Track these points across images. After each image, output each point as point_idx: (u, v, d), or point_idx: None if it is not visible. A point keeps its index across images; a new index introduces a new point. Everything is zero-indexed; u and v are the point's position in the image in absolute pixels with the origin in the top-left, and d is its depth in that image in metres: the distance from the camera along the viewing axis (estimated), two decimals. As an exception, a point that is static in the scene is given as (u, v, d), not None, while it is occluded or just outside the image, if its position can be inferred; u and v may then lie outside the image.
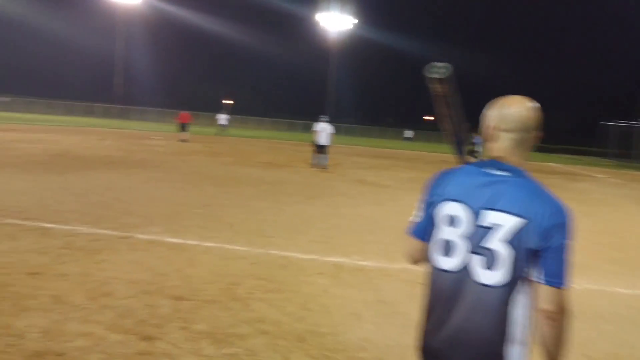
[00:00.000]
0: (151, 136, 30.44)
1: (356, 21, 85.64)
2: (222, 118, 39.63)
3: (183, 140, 26.05)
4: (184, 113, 27.80)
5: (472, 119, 2.73)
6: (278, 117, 79.87)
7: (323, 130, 18.04)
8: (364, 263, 6.07)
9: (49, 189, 9.44)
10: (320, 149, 18.03)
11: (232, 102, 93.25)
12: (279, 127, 75.46)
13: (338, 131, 66.92)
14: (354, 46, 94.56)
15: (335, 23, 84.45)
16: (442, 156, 30.08)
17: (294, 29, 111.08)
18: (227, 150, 23.72)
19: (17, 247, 5.62)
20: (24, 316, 3.89)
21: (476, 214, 1.69)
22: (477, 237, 1.68)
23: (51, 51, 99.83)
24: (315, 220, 8.47)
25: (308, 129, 72.79)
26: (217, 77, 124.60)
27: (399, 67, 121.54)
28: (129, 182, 11.00)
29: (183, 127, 27.23)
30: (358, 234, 7.63)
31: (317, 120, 18.27)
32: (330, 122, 18.50)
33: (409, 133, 70.11)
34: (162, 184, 11.15)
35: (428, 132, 76.49)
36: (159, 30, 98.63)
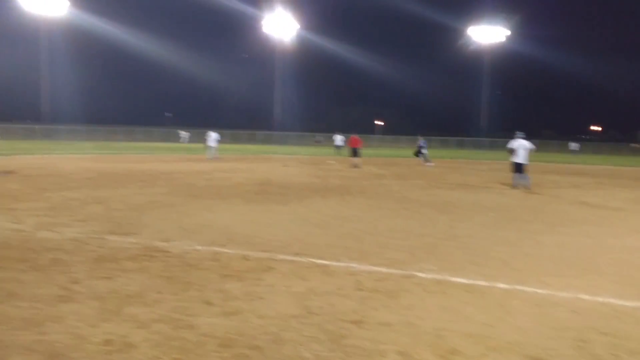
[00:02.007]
0: (326, 161, 30.99)
1: (508, 33, 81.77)
2: (338, 139, 40.86)
3: (355, 166, 24.79)
4: (355, 137, 26.32)
5: None
6: (431, 135, 78.26)
7: (521, 148, 16.71)
8: None
9: (287, 220, 9.47)
10: (519, 167, 16.70)
11: (382, 123, 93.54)
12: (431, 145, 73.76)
13: (496, 146, 63.89)
14: (503, 60, 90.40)
15: (487, 35, 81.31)
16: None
17: (445, 47, 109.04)
18: (408, 173, 23.16)
19: (314, 288, 5.39)
20: (391, 378, 3.47)
21: None
22: None
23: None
24: (585, 253, 7.41)
25: (462, 145, 70.61)
26: (367, 100, 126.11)
27: (551, 77, 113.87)
28: (353, 211, 10.79)
29: (355, 152, 25.84)
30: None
31: (512, 137, 17.01)
32: (526, 138, 17.08)
33: (574, 145, 64.17)
34: (386, 212, 10.78)
35: (596, 144, 69.87)
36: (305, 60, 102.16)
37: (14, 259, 6.20)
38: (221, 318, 4.45)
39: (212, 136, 30.74)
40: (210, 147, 30.44)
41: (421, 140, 30.69)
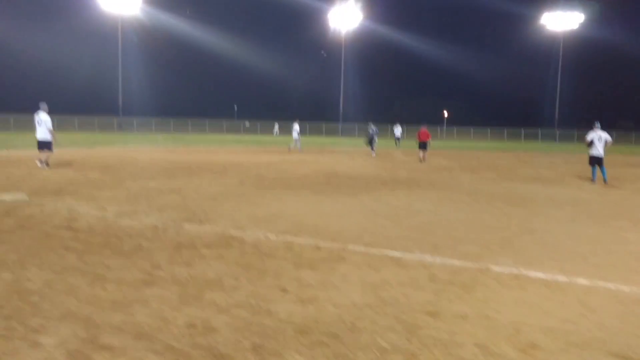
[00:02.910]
0: (393, 153, 30.75)
1: (582, 19, 77.89)
2: (398, 131, 42.39)
3: (423, 160, 23.34)
4: (424, 130, 24.24)
5: None
6: (502, 126, 75.74)
7: (598, 139, 15.93)
8: None
9: (356, 211, 9.50)
10: (597, 160, 15.94)
11: (447, 113, 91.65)
12: (494, 136, 71.58)
13: (568, 139, 61.13)
14: (577, 48, 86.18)
15: (560, 22, 77.79)
16: None
17: (513, 36, 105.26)
18: (478, 165, 22.63)
19: (387, 279, 5.38)
20: (470, 371, 3.43)
21: None
22: None
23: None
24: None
25: (534, 137, 68.05)
26: (435, 91, 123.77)
27: (628, 66, 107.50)
28: (423, 203, 10.67)
29: (424, 146, 23.87)
30: None
31: (589, 128, 16.25)
32: (604, 129, 16.26)
33: None
34: (457, 205, 10.60)
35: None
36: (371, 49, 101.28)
37: (99, 244, 6.55)
38: (297, 305, 4.54)
39: (296, 128, 30.99)
40: (294, 139, 30.64)
41: (372, 127, 28.04)
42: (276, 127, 68.28)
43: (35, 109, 15.96)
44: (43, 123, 15.78)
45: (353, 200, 10.88)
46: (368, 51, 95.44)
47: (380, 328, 4.08)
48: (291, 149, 29.73)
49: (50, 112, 15.96)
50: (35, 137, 16.16)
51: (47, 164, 15.78)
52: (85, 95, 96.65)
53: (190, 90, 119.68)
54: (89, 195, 10.52)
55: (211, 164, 19.32)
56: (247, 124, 74.62)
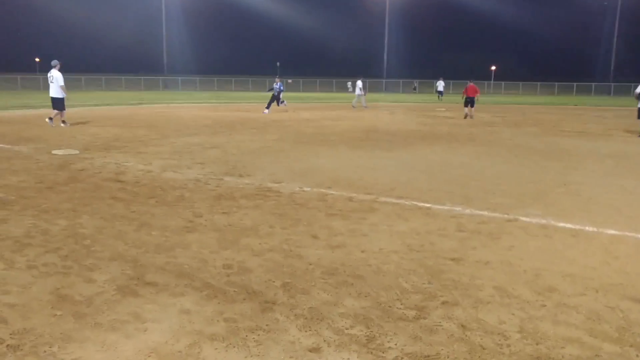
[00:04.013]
0: (436, 108, 30.39)
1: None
2: (440, 85, 43.25)
3: (469, 116, 22.10)
4: (472, 85, 22.66)
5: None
6: (552, 80, 73.06)
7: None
8: None
9: (391, 165, 9.65)
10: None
11: (494, 68, 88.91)
12: (544, 91, 69.16)
13: (624, 92, 58.54)
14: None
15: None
16: None
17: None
18: (522, 120, 22.21)
19: (415, 228, 5.58)
20: (485, 309, 3.63)
21: None
22: None
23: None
24: None
25: (586, 91, 65.47)
26: (481, 47, 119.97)
27: None
28: (460, 157, 10.72)
29: (471, 102, 22.35)
30: None
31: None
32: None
33: None
34: (494, 159, 10.60)
35: None
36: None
37: (145, 195, 6.97)
38: (327, 250, 4.81)
39: (359, 84, 30.86)
40: (357, 96, 30.52)
41: (278, 83, 25.25)
42: (349, 84, 67.39)
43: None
44: (55, 80, 15.67)
45: (389, 154, 11.01)
46: (413, 5, 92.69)
47: (404, 271, 4.31)
48: (355, 105, 29.54)
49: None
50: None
51: (64, 122, 15.82)
52: (132, 55, 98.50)
53: (233, 49, 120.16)
54: (136, 151, 11.01)
55: (252, 120, 19.67)
56: (290, 81, 74.43)
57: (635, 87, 16.18)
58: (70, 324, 3.32)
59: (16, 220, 5.70)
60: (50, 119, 15.71)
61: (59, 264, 4.39)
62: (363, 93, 30.27)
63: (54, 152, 10.55)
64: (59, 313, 3.48)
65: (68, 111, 16.79)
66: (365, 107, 29.26)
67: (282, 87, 25.42)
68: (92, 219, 5.79)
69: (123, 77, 63.75)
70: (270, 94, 25.44)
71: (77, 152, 10.62)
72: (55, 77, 15.66)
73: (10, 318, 3.40)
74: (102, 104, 29.46)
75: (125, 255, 4.62)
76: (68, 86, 16.49)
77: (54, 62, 15.75)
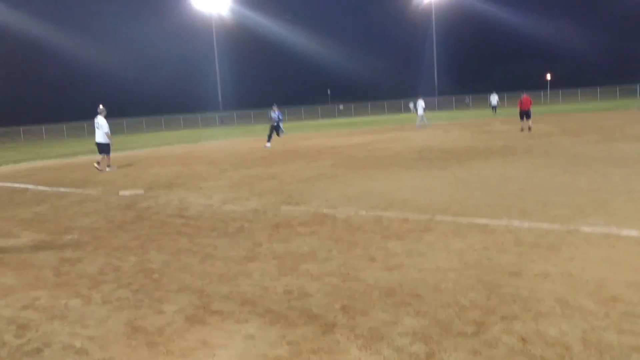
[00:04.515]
0: (491, 123, 29.93)
1: None
2: (494, 99, 44.00)
3: (525, 129, 21.19)
4: (526, 97, 22.27)
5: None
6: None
7: None
8: None
9: (446, 184, 9.62)
10: None
11: (549, 76, 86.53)
12: (605, 96, 66.49)
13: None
14: None
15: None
16: None
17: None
18: (581, 128, 21.55)
19: (472, 244, 5.58)
20: (546, 322, 3.60)
21: None
22: None
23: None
24: None
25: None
26: (534, 57, 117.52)
27: None
28: (518, 171, 10.56)
29: (526, 115, 21.63)
30: None
31: None
32: None
33: None
34: (552, 170, 10.38)
35: None
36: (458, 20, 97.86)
37: (207, 228, 7.27)
38: (384, 272, 4.89)
39: (421, 104, 31.19)
40: (420, 116, 30.83)
41: (275, 111, 23.83)
42: (411, 104, 67.73)
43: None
44: (100, 127, 16.14)
45: (444, 173, 10.98)
46: (459, 22, 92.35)
47: (462, 288, 4.34)
48: (418, 126, 29.65)
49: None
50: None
51: (109, 166, 16.26)
52: (187, 95, 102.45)
53: (284, 81, 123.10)
54: (196, 186, 11.46)
55: (306, 149, 20.01)
56: (341, 107, 75.31)
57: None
58: (145, 353, 3.55)
59: (90, 259, 6.09)
60: (98, 163, 16.29)
61: (131, 298, 4.67)
62: (423, 113, 30.62)
63: (120, 193, 11.12)
64: (133, 343, 3.72)
65: (132, 152, 17.59)
66: (428, 125, 29.30)
67: (281, 116, 24.47)
68: (159, 254, 6.10)
69: (181, 117, 66.28)
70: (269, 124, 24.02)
71: (142, 191, 11.16)
72: (101, 124, 16.18)
73: (90, 349, 3.67)
74: (162, 144, 30.72)
75: (191, 286, 4.86)
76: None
77: (100, 108, 16.26)
